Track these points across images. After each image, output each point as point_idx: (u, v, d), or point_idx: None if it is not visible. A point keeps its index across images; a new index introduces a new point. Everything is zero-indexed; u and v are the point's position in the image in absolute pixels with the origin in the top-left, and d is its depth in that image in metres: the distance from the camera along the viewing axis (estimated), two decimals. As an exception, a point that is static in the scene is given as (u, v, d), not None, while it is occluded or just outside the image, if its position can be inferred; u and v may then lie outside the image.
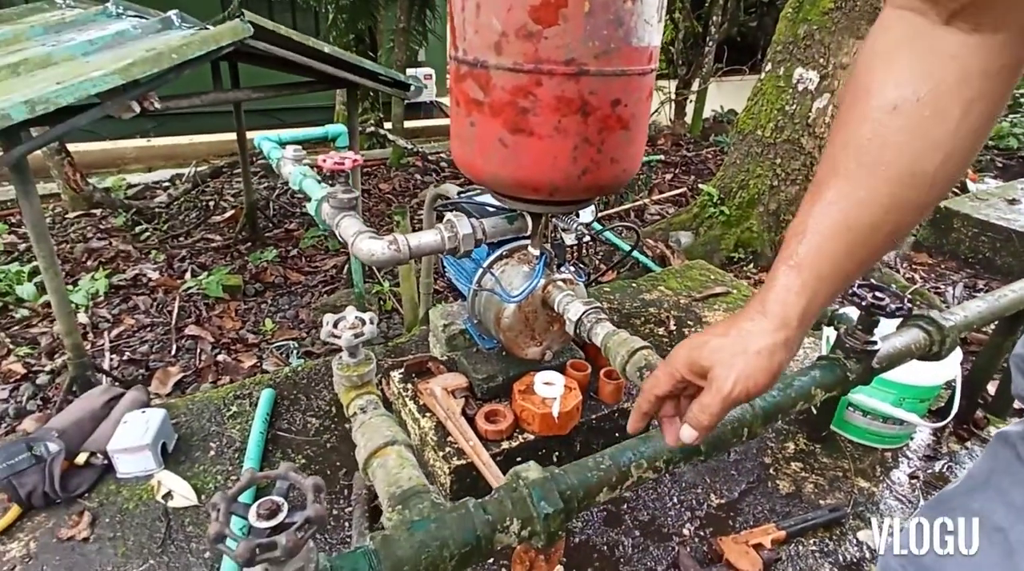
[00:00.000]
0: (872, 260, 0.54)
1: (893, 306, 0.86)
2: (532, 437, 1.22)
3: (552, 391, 1.21)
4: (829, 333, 1.56)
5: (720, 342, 0.55)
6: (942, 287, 2.94)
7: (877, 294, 0.88)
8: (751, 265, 2.98)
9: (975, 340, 2.17)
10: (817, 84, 2.90)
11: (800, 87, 2.93)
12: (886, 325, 0.91)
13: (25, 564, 1.15)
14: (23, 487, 1.23)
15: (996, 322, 1.47)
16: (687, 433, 0.58)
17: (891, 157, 0.48)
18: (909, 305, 0.86)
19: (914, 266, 3.19)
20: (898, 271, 3.09)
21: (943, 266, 3.18)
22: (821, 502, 1.38)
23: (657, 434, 0.77)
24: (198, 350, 2.31)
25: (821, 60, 2.86)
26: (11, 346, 2.26)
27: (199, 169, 3.93)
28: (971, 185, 4.06)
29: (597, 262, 3.01)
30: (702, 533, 1.29)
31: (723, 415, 0.56)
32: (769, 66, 3.06)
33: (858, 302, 0.87)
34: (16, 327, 2.42)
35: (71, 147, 3.36)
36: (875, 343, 0.90)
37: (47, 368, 2.15)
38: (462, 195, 1.33)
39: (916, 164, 0.48)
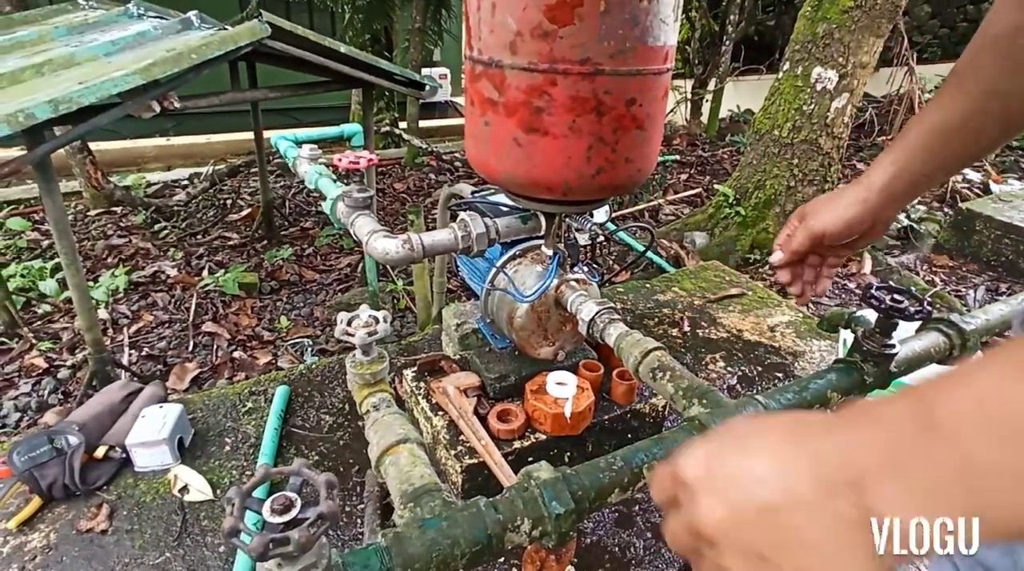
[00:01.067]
0: (951, 161, 0.67)
1: (912, 309, 0.84)
2: (544, 437, 1.22)
3: (564, 391, 1.21)
4: (846, 336, 1.54)
5: (821, 198, 0.75)
6: (963, 290, 2.89)
7: (896, 297, 0.86)
8: (767, 266, 2.95)
9: (997, 345, 2.13)
10: (836, 83, 2.86)
11: (819, 86, 2.89)
12: (905, 328, 0.90)
13: (45, 555, 1.17)
14: (44, 479, 1.25)
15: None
16: (776, 256, 0.78)
17: (979, 74, 0.62)
18: (929, 308, 0.85)
19: (935, 269, 3.13)
20: (918, 274, 3.04)
21: (964, 269, 3.12)
22: (836, 507, 1.36)
23: (670, 436, 0.76)
24: (215, 347, 2.34)
25: (840, 59, 2.82)
26: (34, 341, 2.30)
27: (217, 168, 3.98)
28: (994, 186, 3.99)
29: (611, 262, 2.99)
30: (715, 536, 1.28)
31: (805, 244, 0.74)
32: (787, 65, 3.02)
33: (876, 305, 0.85)
34: (38, 322, 2.47)
35: (92, 146, 3.42)
36: (893, 346, 0.88)
37: (68, 363, 2.19)
38: (476, 194, 1.33)
39: (1000, 81, 0.61)
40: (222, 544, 1.21)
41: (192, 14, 2.07)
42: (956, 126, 0.64)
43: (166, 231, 3.34)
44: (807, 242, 0.74)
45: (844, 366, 0.90)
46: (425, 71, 5.25)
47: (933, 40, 7.61)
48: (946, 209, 3.82)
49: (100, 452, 1.34)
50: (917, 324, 0.94)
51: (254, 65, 2.71)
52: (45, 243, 3.11)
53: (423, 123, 5.35)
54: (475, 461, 1.16)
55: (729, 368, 1.84)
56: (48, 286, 2.64)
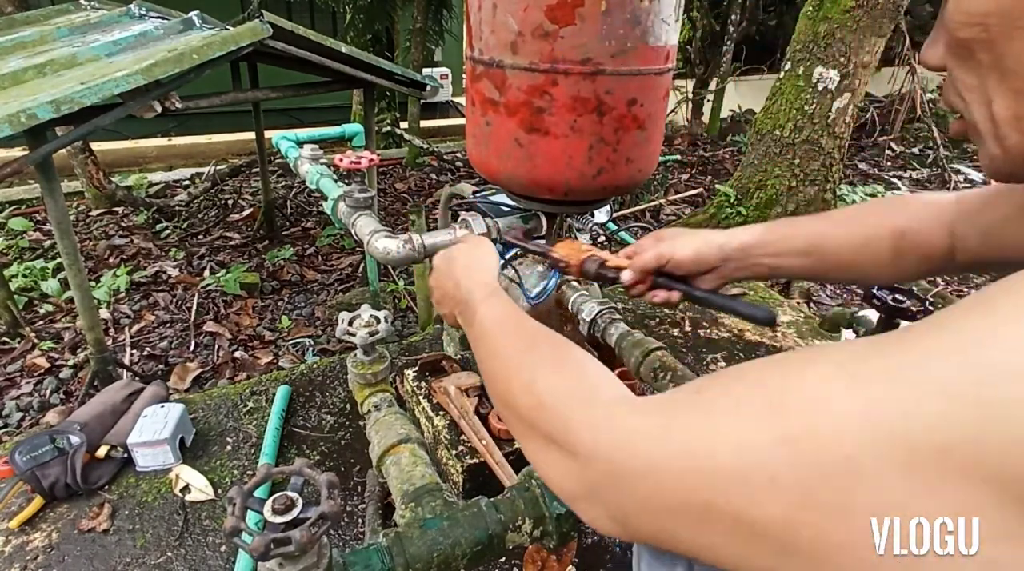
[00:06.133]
0: (829, 273, 0.75)
1: (914, 309, 0.85)
2: (545, 437, 1.22)
3: (565, 391, 1.20)
4: (848, 336, 1.54)
5: (682, 229, 0.81)
6: (965, 290, 2.88)
7: (897, 297, 0.86)
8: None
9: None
10: (837, 83, 2.86)
11: (820, 86, 2.89)
12: (906, 328, 0.90)
13: (47, 554, 1.18)
14: (46, 479, 1.25)
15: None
16: (626, 275, 0.84)
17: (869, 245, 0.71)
18: (931, 308, 0.85)
19: (936, 269, 3.12)
20: (919, 274, 3.03)
21: (966, 269, 3.10)
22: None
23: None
24: (216, 346, 2.34)
25: (842, 59, 2.82)
26: (36, 340, 2.31)
27: (218, 168, 3.98)
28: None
29: (612, 262, 2.99)
30: (716, 536, 1.27)
31: (651, 264, 0.80)
32: (788, 65, 3.02)
33: (878, 305, 0.85)
34: (40, 322, 2.48)
35: (94, 146, 3.42)
36: (895, 347, 0.88)
37: (70, 362, 2.19)
38: (477, 194, 1.33)
39: (877, 265, 0.69)
40: (224, 544, 1.21)
41: (194, 14, 2.07)
42: (832, 250, 0.71)
43: (168, 231, 3.34)
44: (654, 262, 0.79)
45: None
46: (426, 71, 5.25)
47: (935, 40, 7.58)
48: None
49: (102, 452, 1.34)
50: (919, 324, 0.95)
51: (255, 65, 2.71)
52: (47, 243, 3.11)
53: (424, 123, 5.36)
54: (476, 461, 1.16)
55: (730, 368, 1.83)
56: (50, 286, 2.64)
